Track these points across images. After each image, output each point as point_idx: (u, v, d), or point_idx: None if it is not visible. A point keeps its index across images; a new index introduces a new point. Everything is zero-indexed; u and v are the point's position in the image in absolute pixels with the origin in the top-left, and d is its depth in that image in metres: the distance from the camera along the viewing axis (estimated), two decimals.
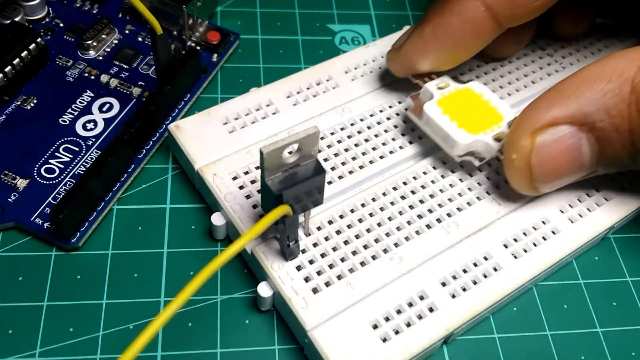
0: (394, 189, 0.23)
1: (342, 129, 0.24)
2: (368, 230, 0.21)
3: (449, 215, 0.22)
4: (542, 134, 0.20)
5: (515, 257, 0.22)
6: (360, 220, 0.22)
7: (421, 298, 0.20)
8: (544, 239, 0.22)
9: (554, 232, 0.22)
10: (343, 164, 0.23)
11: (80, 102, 0.25)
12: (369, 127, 0.24)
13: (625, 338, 0.22)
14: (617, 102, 0.20)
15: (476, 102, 0.23)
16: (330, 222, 0.22)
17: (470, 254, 0.21)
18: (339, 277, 0.20)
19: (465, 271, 0.21)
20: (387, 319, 0.20)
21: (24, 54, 0.24)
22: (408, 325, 0.20)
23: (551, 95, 0.21)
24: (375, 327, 0.20)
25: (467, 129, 0.22)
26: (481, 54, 0.26)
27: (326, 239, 0.21)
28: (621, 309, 0.23)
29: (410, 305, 0.20)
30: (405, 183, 0.23)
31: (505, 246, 0.22)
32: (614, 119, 0.20)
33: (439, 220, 0.22)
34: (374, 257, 0.21)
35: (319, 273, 0.20)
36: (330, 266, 0.21)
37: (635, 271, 0.24)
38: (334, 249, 0.21)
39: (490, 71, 0.27)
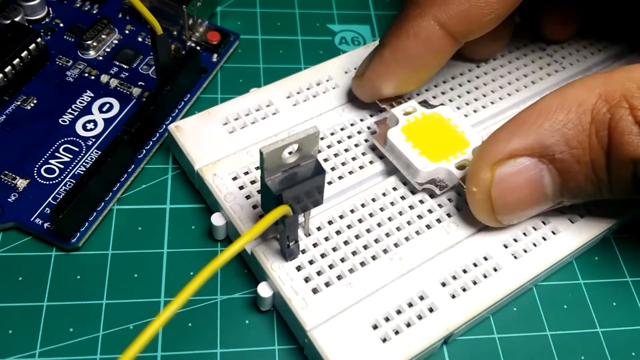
0: (394, 189, 0.23)
1: (342, 129, 0.24)
2: (368, 231, 0.21)
3: (449, 215, 0.22)
4: (502, 166, 0.20)
5: (515, 257, 0.22)
6: (360, 221, 0.22)
7: (421, 298, 0.20)
8: (544, 239, 0.22)
9: (554, 233, 0.22)
10: (343, 164, 0.23)
11: (80, 102, 0.25)
12: (368, 128, 0.24)
13: (625, 338, 0.22)
14: (577, 133, 0.19)
15: (443, 127, 0.23)
16: (330, 223, 0.22)
17: (470, 254, 0.21)
18: (339, 278, 0.20)
19: (465, 271, 0.21)
20: (387, 319, 0.20)
21: (24, 54, 0.25)
22: (408, 325, 0.20)
23: (511, 126, 0.20)
24: (375, 327, 0.20)
25: (430, 156, 0.22)
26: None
27: (326, 239, 0.21)
28: (621, 309, 0.23)
29: (410, 305, 0.20)
30: (405, 183, 0.23)
31: (505, 246, 0.22)
32: (574, 150, 0.19)
33: (439, 221, 0.22)
34: (373, 258, 0.21)
35: (318, 273, 0.20)
36: (330, 266, 0.21)
37: (635, 271, 0.24)
38: (334, 249, 0.21)
39: (490, 71, 0.27)
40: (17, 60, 0.24)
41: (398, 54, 0.22)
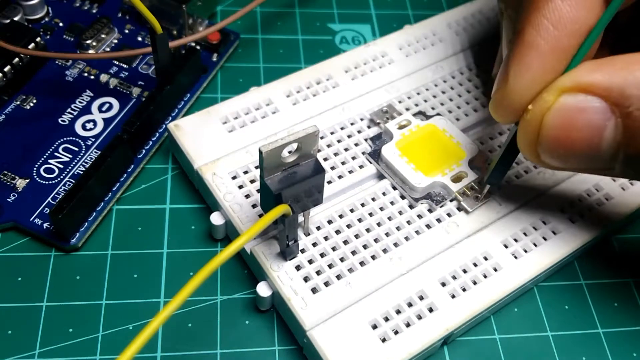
0: (394, 188, 0.22)
1: (342, 128, 0.24)
2: (367, 230, 0.21)
3: (449, 215, 0.22)
4: (569, 95, 0.17)
5: (516, 257, 0.21)
6: (359, 220, 0.22)
7: (421, 298, 0.20)
8: (544, 239, 0.22)
9: (554, 232, 0.22)
10: (343, 163, 0.23)
11: (79, 102, 0.25)
12: (368, 127, 0.24)
13: (627, 339, 0.22)
14: None
15: (438, 139, 0.23)
16: (329, 222, 0.21)
17: (470, 254, 0.21)
18: (339, 277, 0.20)
19: (465, 271, 0.21)
20: (386, 319, 0.20)
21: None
22: (407, 325, 0.20)
23: (604, 60, 0.18)
24: (374, 327, 0.20)
25: (425, 170, 0.22)
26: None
27: (325, 238, 0.21)
28: (622, 310, 0.23)
29: (410, 305, 0.20)
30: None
31: (506, 246, 0.22)
32: None
33: (438, 220, 0.22)
34: (373, 257, 0.21)
35: (318, 273, 0.20)
36: (330, 266, 0.21)
37: (636, 272, 0.24)
38: (334, 249, 0.21)
39: (489, 70, 0.27)
40: (17, 59, 0.24)
41: (550, 28, 0.18)
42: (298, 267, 0.20)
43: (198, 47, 0.27)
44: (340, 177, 0.23)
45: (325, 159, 0.23)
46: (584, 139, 0.18)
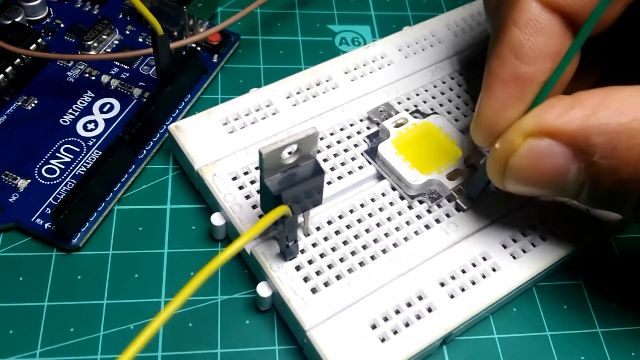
0: (393, 189, 0.23)
1: (341, 129, 0.24)
2: (367, 231, 0.22)
3: (447, 216, 0.22)
4: (535, 140, 0.18)
5: (514, 257, 0.22)
6: (359, 221, 0.22)
7: (420, 298, 0.20)
8: (543, 239, 0.22)
9: (553, 233, 0.22)
10: (342, 164, 0.23)
11: (80, 103, 0.25)
12: (368, 128, 0.24)
13: (625, 338, 0.22)
14: (630, 146, 0.17)
15: (434, 137, 0.23)
16: (329, 223, 0.22)
17: (469, 255, 0.21)
18: (338, 277, 0.20)
19: (463, 271, 0.21)
20: (385, 319, 0.20)
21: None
22: (407, 325, 0.20)
23: (573, 100, 0.18)
24: (373, 327, 0.20)
25: (421, 168, 0.22)
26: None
27: (325, 239, 0.21)
28: (621, 310, 0.23)
29: (409, 305, 0.20)
30: None
31: (504, 246, 0.22)
32: (618, 162, 0.17)
33: (437, 221, 0.22)
34: (372, 258, 0.21)
35: (318, 273, 0.20)
36: (329, 266, 0.21)
37: (634, 272, 0.24)
38: (333, 249, 0.21)
39: None
40: (18, 60, 0.25)
41: (511, 57, 0.18)
42: (298, 268, 0.21)
43: (199, 48, 0.27)
44: (339, 178, 0.23)
45: (325, 160, 0.23)
46: (549, 180, 0.19)
